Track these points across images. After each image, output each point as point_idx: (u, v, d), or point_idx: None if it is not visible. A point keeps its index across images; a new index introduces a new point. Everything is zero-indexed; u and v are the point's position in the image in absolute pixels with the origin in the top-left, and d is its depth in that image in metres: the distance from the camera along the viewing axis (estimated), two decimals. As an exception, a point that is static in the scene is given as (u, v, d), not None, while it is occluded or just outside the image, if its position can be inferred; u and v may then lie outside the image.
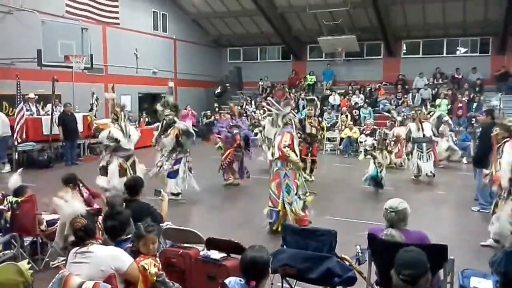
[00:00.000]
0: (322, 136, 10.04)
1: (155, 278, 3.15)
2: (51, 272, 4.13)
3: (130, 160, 7.84)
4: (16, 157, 11.53)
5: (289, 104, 6.96)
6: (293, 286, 3.94)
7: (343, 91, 20.00)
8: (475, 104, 16.60)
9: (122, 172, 7.64)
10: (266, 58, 23.88)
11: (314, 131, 10.01)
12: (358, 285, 3.70)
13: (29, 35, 13.04)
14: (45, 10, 13.88)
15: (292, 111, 7.02)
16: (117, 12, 16.99)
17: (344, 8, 18.16)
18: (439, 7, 17.91)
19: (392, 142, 9.40)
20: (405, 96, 18.27)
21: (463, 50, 20.38)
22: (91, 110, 13.99)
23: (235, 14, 20.98)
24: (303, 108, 16.41)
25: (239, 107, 15.75)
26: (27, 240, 5.20)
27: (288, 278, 3.86)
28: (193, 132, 8.53)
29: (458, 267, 3.60)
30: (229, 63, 24.39)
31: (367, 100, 18.77)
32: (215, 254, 3.78)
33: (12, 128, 11.27)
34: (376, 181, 8.95)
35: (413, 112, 11.16)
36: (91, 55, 13.98)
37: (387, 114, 14.78)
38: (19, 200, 4.89)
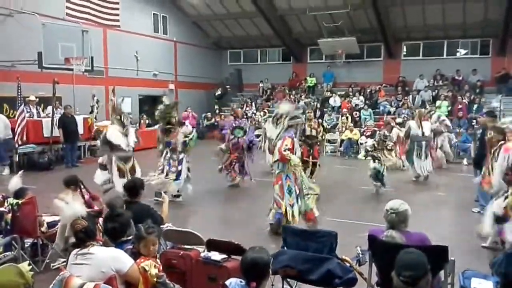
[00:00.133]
0: (323, 137, 10.00)
1: (155, 279, 3.15)
2: (51, 274, 4.13)
3: (129, 163, 7.82)
4: (17, 159, 11.55)
5: (300, 109, 6.94)
6: (293, 287, 3.94)
7: (343, 93, 20.02)
8: (475, 106, 16.61)
9: (121, 173, 7.64)
10: (266, 60, 23.91)
11: (314, 133, 10.00)
12: (359, 286, 3.70)
13: (30, 38, 13.07)
14: (46, 13, 13.91)
15: (302, 118, 6.96)
16: (117, 15, 17.00)
17: (344, 10, 18.18)
18: (439, 8, 17.93)
19: (391, 143, 9.40)
20: (406, 98, 18.29)
21: (463, 51, 20.39)
22: (91, 112, 14.00)
23: (235, 16, 21.02)
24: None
25: (240, 109, 15.73)
26: (28, 241, 5.20)
27: (288, 280, 3.85)
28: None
29: (459, 268, 3.60)
30: (229, 65, 24.42)
31: (367, 102, 18.79)
32: (216, 256, 3.78)
33: (13, 130, 11.30)
34: (378, 177, 8.97)
35: (414, 110, 11.24)
36: (92, 58, 14.00)
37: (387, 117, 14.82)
38: (20, 202, 4.89)
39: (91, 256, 3.10)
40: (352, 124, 16.26)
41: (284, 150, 6.14)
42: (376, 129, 14.80)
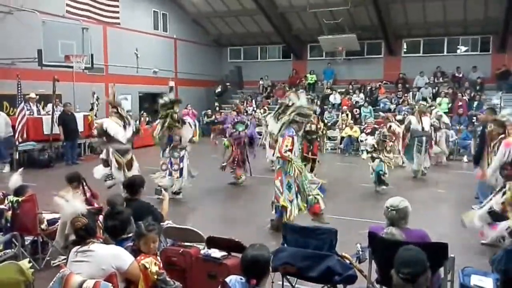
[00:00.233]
0: (324, 132, 9.97)
1: (155, 276, 3.15)
2: (51, 271, 4.14)
3: (126, 157, 7.83)
4: (17, 156, 11.55)
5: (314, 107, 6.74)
6: (293, 284, 3.95)
7: (343, 90, 20.00)
8: (475, 103, 16.59)
9: (118, 166, 7.68)
10: (266, 57, 23.88)
11: (314, 128, 9.98)
12: (359, 283, 3.71)
13: (30, 35, 13.05)
14: (46, 10, 13.87)
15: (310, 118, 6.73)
16: (117, 12, 16.99)
17: (344, 7, 18.13)
18: (440, 5, 17.89)
19: (390, 143, 9.38)
20: (406, 95, 18.26)
21: (463, 48, 20.36)
22: (91, 109, 13.99)
23: (236, 14, 20.98)
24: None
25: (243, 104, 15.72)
26: (28, 239, 5.20)
27: (288, 277, 3.86)
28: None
29: (459, 265, 3.60)
30: (229, 63, 24.39)
31: (367, 99, 18.77)
32: (216, 253, 3.78)
33: (13, 127, 11.31)
34: (380, 178, 8.98)
35: (414, 106, 11.26)
36: (92, 55, 13.99)
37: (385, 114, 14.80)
38: (20, 199, 4.90)
39: (91, 254, 3.10)
40: (352, 122, 16.25)
41: (285, 152, 6.06)
42: (376, 126, 14.78)
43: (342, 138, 15.60)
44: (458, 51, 20.42)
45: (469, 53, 20.00)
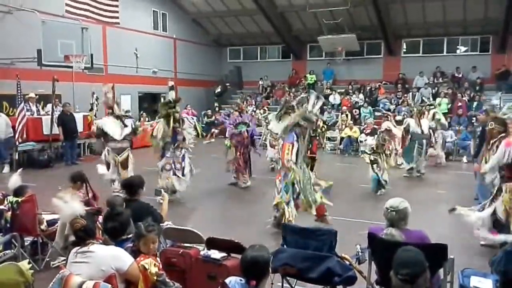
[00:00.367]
0: (323, 130, 9.96)
1: (155, 277, 3.15)
2: (51, 272, 4.14)
3: (122, 156, 7.83)
4: (16, 157, 11.54)
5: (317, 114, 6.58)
6: (293, 285, 3.94)
7: (343, 90, 20.00)
8: (475, 103, 16.59)
9: (113, 164, 7.74)
10: (266, 58, 23.88)
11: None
12: (358, 285, 3.70)
13: (29, 35, 13.04)
14: (45, 10, 13.86)
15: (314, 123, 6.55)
16: (117, 12, 16.98)
17: (344, 7, 18.14)
18: (439, 5, 17.90)
19: (390, 146, 9.39)
20: (405, 95, 18.25)
21: (463, 49, 20.37)
22: (91, 109, 13.98)
23: (235, 14, 20.98)
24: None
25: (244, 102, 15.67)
26: (28, 240, 5.20)
27: (288, 278, 3.86)
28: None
29: (458, 266, 3.60)
30: (229, 63, 24.39)
31: (367, 99, 18.77)
32: (216, 254, 3.78)
33: (13, 128, 11.30)
34: (379, 183, 9.01)
35: (413, 108, 11.33)
36: (91, 55, 13.98)
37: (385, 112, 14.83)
38: (20, 200, 4.89)
39: (91, 255, 3.10)
40: (351, 122, 16.25)
41: (287, 161, 6.02)
42: (376, 127, 14.79)
43: (342, 138, 15.60)
44: (458, 51, 20.44)
45: (469, 53, 20.02)
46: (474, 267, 3.80)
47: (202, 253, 3.86)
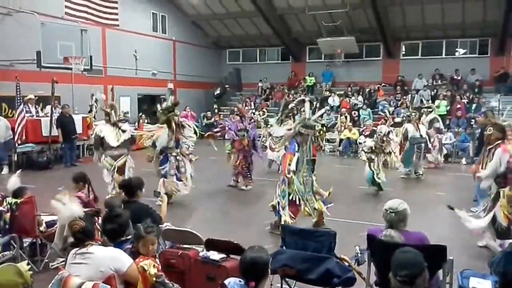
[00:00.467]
0: (321, 133, 9.95)
1: (154, 279, 3.15)
2: (50, 273, 4.13)
3: (119, 162, 7.83)
4: (16, 158, 11.53)
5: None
6: (292, 286, 3.94)
7: (342, 92, 20.03)
8: (474, 105, 16.63)
9: (109, 170, 7.72)
10: (265, 60, 23.91)
11: None
12: (357, 286, 3.70)
13: (28, 37, 13.05)
14: (44, 12, 13.88)
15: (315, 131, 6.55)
16: (116, 14, 16.98)
17: (343, 9, 18.18)
18: (438, 8, 17.94)
19: (390, 145, 9.42)
20: (404, 97, 18.31)
21: (462, 51, 20.41)
22: (90, 111, 13.99)
23: (234, 16, 21.01)
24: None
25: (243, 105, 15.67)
26: (27, 241, 5.20)
27: (287, 279, 3.86)
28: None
29: (457, 268, 3.60)
30: (228, 65, 24.41)
31: (366, 101, 18.79)
32: (215, 255, 3.78)
33: (13, 130, 11.30)
34: (374, 183, 9.05)
35: (411, 113, 11.42)
36: (91, 57, 13.99)
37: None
38: (19, 201, 4.88)
39: (90, 256, 3.10)
40: (351, 124, 16.27)
41: (288, 172, 6.06)
42: (375, 128, 14.81)
43: (341, 140, 15.61)
44: (457, 53, 20.49)
45: (468, 55, 20.06)
46: (473, 268, 3.80)
47: (201, 254, 3.86)
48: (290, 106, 9.60)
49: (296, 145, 6.19)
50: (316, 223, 6.35)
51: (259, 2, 18.72)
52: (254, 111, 19.31)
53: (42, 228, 5.09)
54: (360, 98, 19.11)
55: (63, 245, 4.73)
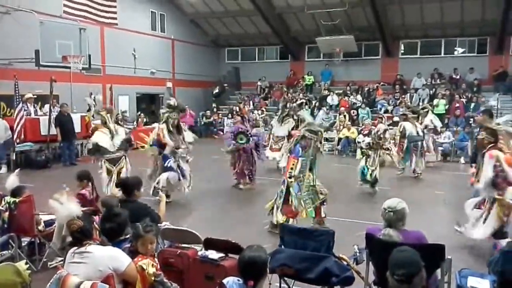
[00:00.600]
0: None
1: (153, 278, 3.15)
2: (49, 273, 4.13)
3: (118, 166, 7.81)
4: (14, 157, 11.52)
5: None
6: (291, 286, 3.94)
7: (341, 91, 20.03)
8: (472, 104, 16.65)
9: (109, 176, 7.70)
10: (264, 58, 23.89)
11: None
12: (356, 285, 3.71)
13: (27, 35, 13.02)
14: (43, 10, 13.85)
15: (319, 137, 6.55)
16: (115, 12, 16.97)
17: (342, 8, 18.18)
18: (437, 7, 17.94)
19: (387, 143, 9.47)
20: (403, 96, 18.32)
21: (461, 50, 20.42)
22: (89, 110, 13.95)
23: (233, 14, 20.99)
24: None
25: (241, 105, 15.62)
26: (25, 240, 5.19)
27: (286, 278, 3.86)
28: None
29: (456, 267, 3.61)
30: (227, 63, 24.38)
31: (365, 100, 18.80)
32: (213, 254, 3.77)
33: (11, 129, 11.29)
34: (365, 178, 9.06)
35: (405, 112, 11.57)
36: (89, 56, 13.97)
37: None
38: (17, 200, 4.88)
39: (88, 255, 3.09)
40: (349, 123, 16.27)
41: (290, 177, 6.13)
42: (373, 127, 14.81)
43: (340, 139, 15.60)
44: (455, 52, 20.49)
45: (466, 54, 20.07)
46: (471, 268, 3.82)
47: (200, 253, 3.86)
48: (288, 106, 9.59)
49: (300, 149, 6.24)
50: (317, 221, 6.35)
51: (258, 0, 18.71)
52: (253, 110, 19.34)
53: (40, 227, 5.08)
54: (359, 97, 19.12)
55: (61, 244, 4.73)
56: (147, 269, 3.14)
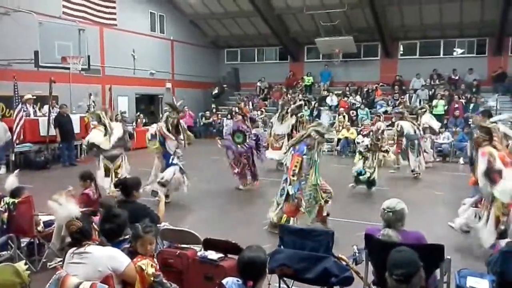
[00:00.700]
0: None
1: (152, 278, 3.15)
2: (48, 273, 4.12)
3: (116, 163, 7.82)
4: (13, 158, 11.51)
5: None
6: (290, 286, 3.94)
7: (340, 92, 20.04)
8: (472, 105, 16.65)
9: (106, 172, 7.72)
10: (263, 59, 23.89)
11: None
12: (355, 285, 3.71)
13: (26, 36, 13.02)
14: (42, 11, 13.85)
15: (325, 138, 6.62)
16: (114, 13, 16.97)
17: (341, 9, 18.20)
18: (436, 8, 17.96)
19: (385, 144, 9.49)
20: (402, 97, 18.33)
21: (460, 51, 20.43)
22: (88, 111, 13.96)
23: (233, 15, 21.00)
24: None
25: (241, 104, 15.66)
26: (24, 241, 5.19)
27: (285, 278, 3.86)
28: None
29: (455, 267, 3.61)
30: (226, 64, 24.39)
31: (364, 101, 18.81)
32: (213, 255, 3.78)
33: (11, 129, 11.28)
34: (360, 179, 9.06)
35: (402, 111, 11.62)
36: (88, 56, 13.96)
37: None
38: (16, 201, 4.88)
39: (87, 255, 3.10)
40: (349, 123, 16.28)
41: (293, 175, 6.11)
42: (372, 128, 14.81)
43: (339, 140, 15.61)
44: (455, 53, 20.51)
45: (465, 55, 20.08)
46: (470, 268, 3.81)
47: (199, 254, 3.86)
48: (286, 108, 9.58)
49: (305, 148, 6.21)
50: (319, 220, 6.35)
51: (257, 1, 18.71)
52: (252, 111, 19.34)
53: (39, 228, 5.09)
54: (358, 97, 19.12)
55: (60, 245, 4.74)
56: (146, 270, 3.14)
